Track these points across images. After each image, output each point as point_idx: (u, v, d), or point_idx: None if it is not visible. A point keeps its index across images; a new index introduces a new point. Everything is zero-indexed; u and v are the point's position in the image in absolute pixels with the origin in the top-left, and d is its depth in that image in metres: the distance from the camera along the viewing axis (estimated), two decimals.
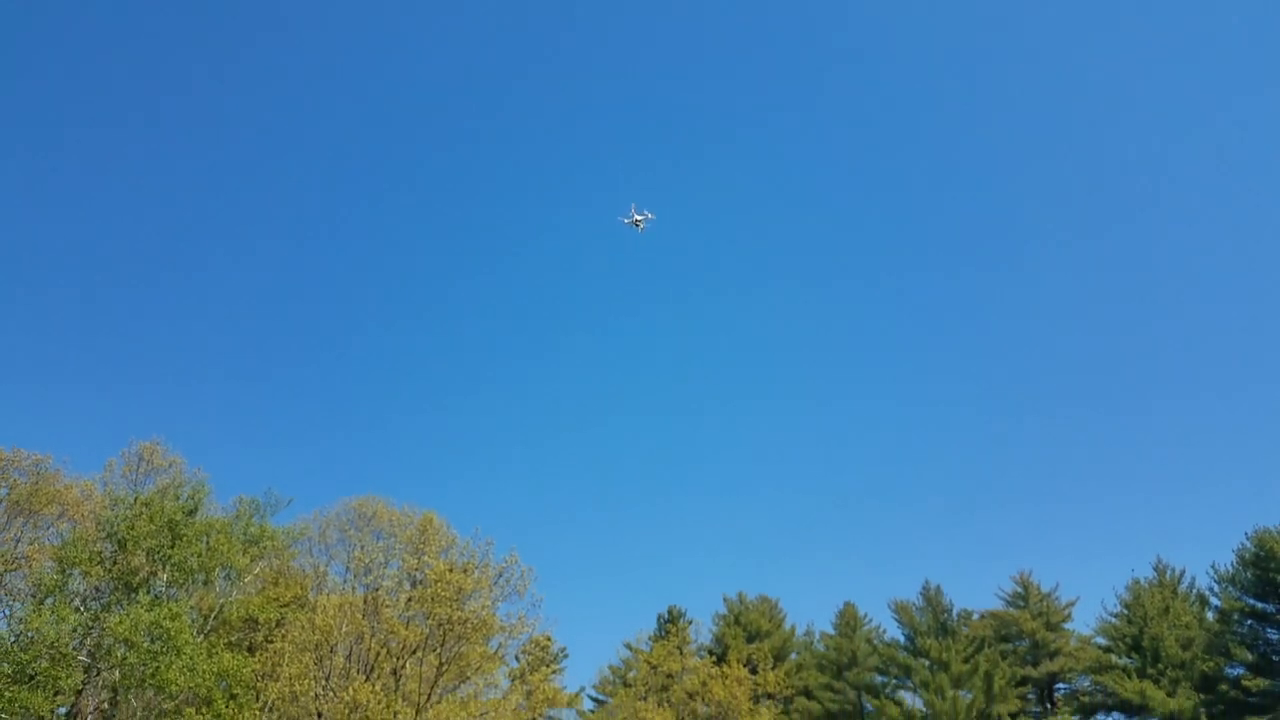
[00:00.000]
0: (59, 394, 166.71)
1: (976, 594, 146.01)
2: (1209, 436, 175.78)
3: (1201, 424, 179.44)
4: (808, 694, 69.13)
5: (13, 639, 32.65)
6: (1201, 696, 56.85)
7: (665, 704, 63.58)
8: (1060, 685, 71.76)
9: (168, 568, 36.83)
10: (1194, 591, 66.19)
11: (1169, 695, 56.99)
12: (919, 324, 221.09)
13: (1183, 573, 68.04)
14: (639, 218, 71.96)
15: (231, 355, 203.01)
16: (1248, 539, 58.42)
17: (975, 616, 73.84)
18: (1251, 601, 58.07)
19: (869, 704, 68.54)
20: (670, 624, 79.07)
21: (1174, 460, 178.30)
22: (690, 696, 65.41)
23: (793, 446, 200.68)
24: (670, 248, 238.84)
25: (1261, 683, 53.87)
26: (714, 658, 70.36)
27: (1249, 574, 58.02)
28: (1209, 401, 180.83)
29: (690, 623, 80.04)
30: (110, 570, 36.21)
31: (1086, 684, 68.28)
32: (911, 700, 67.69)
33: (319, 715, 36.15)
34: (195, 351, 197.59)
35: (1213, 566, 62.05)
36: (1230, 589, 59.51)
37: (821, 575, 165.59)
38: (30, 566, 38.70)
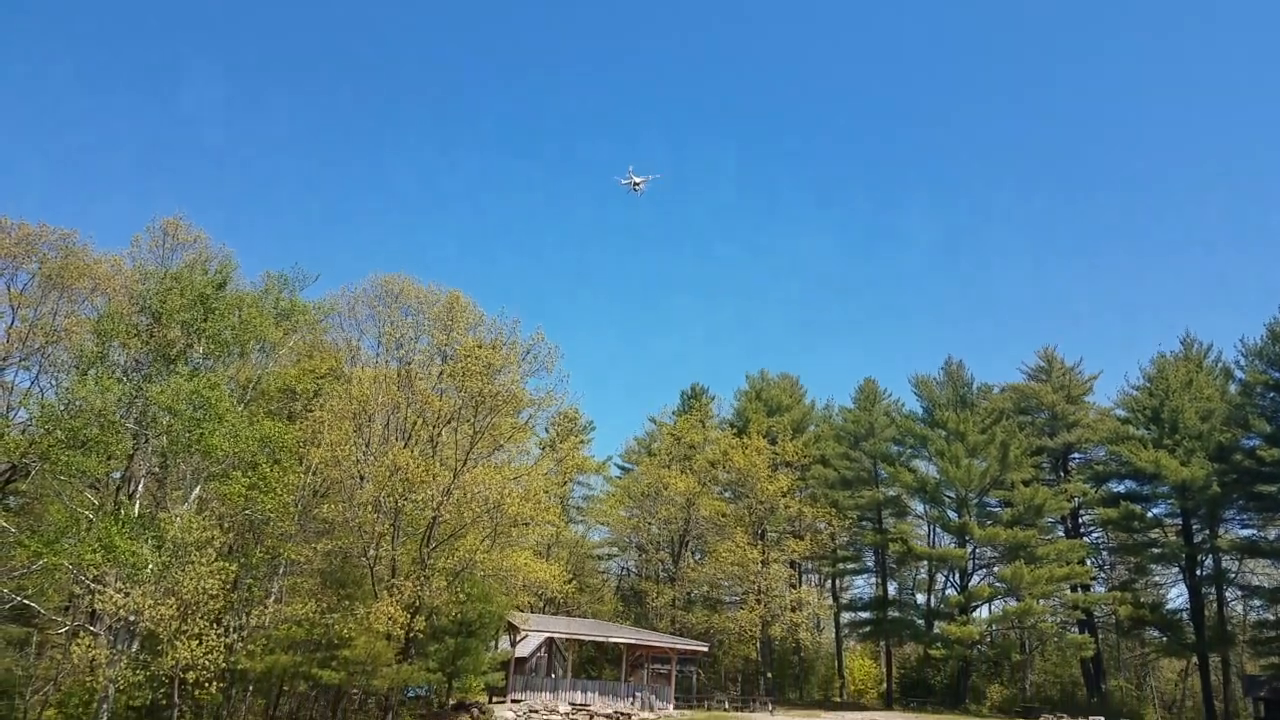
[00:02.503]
0: (75, 171, 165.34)
1: (1000, 374, 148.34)
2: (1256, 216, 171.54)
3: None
4: (824, 462, 71.05)
5: (62, 407, 33.57)
6: (1215, 466, 57.96)
7: (688, 472, 66.25)
8: (1075, 455, 73.07)
9: (203, 340, 37.20)
10: (1219, 366, 66.17)
11: (1183, 464, 58.02)
12: (936, 106, 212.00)
13: (1209, 347, 67.85)
14: (637, 180, 67.35)
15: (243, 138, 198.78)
16: None
17: (996, 391, 74.26)
18: (1276, 375, 57.98)
19: (884, 471, 70.27)
20: (693, 400, 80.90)
21: (1210, 238, 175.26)
22: (712, 465, 68.04)
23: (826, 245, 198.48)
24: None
25: (1276, 453, 54.47)
26: (735, 430, 72.45)
27: (1277, 348, 57.68)
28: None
29: (713, 398, 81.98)
30: (147, 343, 36.62)
31: (1102, 454, 69.53)
32: (926, 468, 69.44)
33: (361, 478, 37.68)
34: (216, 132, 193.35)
35: (1241, 340, 61.66)
36: (1257, 363, 59.34)
37: (846, 361, 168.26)
38: (70, 339, 39.29)
